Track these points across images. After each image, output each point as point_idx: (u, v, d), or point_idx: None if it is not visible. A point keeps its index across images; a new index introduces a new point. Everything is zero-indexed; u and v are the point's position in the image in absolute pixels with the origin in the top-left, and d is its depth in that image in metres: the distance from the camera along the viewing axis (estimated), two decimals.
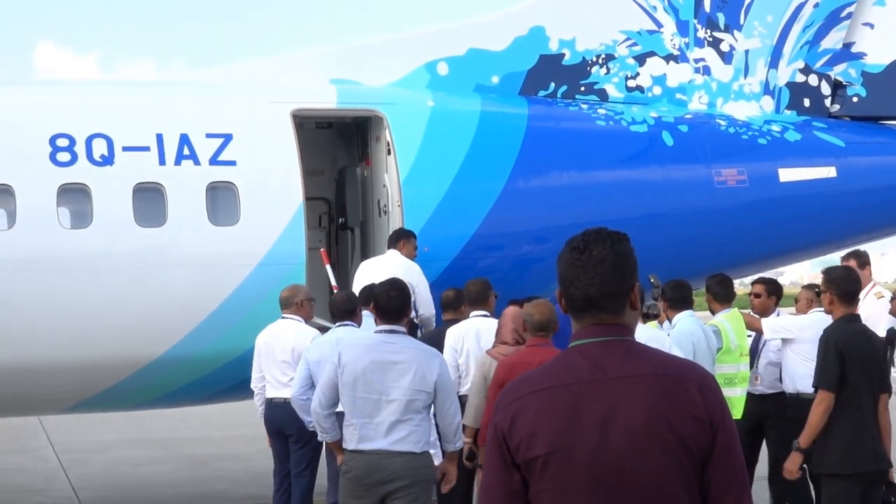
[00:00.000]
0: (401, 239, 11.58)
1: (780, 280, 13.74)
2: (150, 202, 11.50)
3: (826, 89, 13.90)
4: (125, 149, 11.55)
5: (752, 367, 10.44)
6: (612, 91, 13.45)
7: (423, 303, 11.23)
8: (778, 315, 10.74)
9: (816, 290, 9.88)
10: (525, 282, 11.90)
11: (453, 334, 9.98)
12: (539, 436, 3.29)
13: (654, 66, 13.54)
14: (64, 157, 11.41)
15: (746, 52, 13.72)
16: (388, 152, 12.33)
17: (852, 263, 10.83)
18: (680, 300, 9.95)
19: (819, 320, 9.34)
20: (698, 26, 13.61)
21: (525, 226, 12.46)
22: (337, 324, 9.63)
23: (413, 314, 10.50)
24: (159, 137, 11.65)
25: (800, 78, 13.84)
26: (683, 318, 9.77)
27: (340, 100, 12.61)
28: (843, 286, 7.95)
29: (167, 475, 14.90)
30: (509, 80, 13.20)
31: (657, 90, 13.57)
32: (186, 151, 11.68)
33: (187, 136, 11.71)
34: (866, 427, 7.73)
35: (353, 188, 13.04)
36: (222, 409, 15.91)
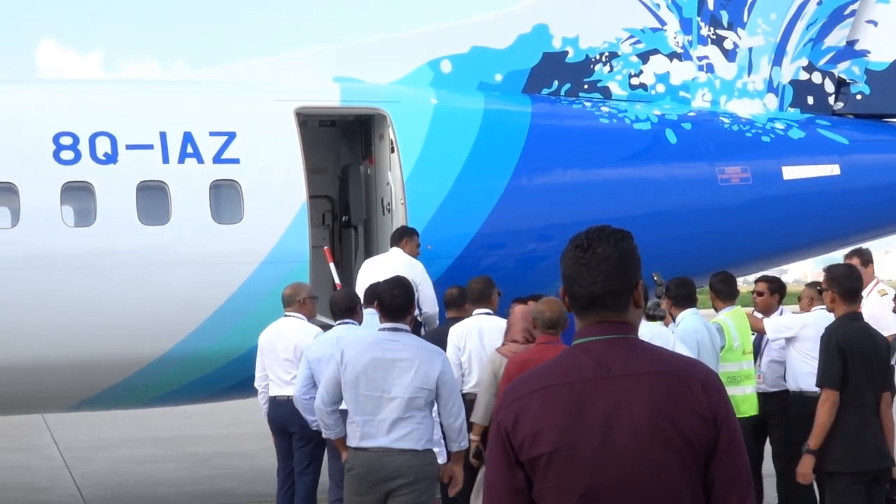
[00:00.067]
0: (403, 237, 11.58)
1: (784, 278, 13.75)
2: (153, 200, 11.50)
3: (830, 87, 13.89)
4: (129, 147, 11.56)
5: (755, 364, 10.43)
6: (616, 89, 13.44)
7: (427, 301, 11.22)
8: (781, 313, 10.74)
9: (819, 288, 9.88)
10: (529, 280, 11.89)
11: (456, 332, 9.97)
12: (543, 434, 3.29)
13: (658, 63, 13.54)
14: (67, 155, 11.42)
15: (750, 49, 13.71)
16: (392, 150, 12.33)
17: (855, 261, 10.83)
18: (684, 298, 9.95)
19: (821, 318, 9.33)
20: (702, 24, 13.60)
21: (528, 224, 12.46)
22: (337, 322, 9.63)
23: (416, 312, 10.50)
24: (163, 135, 11.66)
25: (803, 75, 13.83)
26: (687, 316, 9.77)
27: (344, 98, 12.61)
28: (845, 284, 7.94)
29: (171, 473, 14.92)
30: (513, 77, 13.20)
31: (661, 88, 13.56)
32: (190, 149, 11.68)
33: (191, 134, 11.72)
34: (869, 425, 7.73)
35: (357, 186, 13.05)
36: (226, 407, 15.92)
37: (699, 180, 13.03)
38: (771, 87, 13.78)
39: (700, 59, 13.63)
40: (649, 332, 8.54)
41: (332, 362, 7.54)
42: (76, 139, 11.46)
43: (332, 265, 12.07)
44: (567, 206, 12.43)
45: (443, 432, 7.85)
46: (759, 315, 10.71)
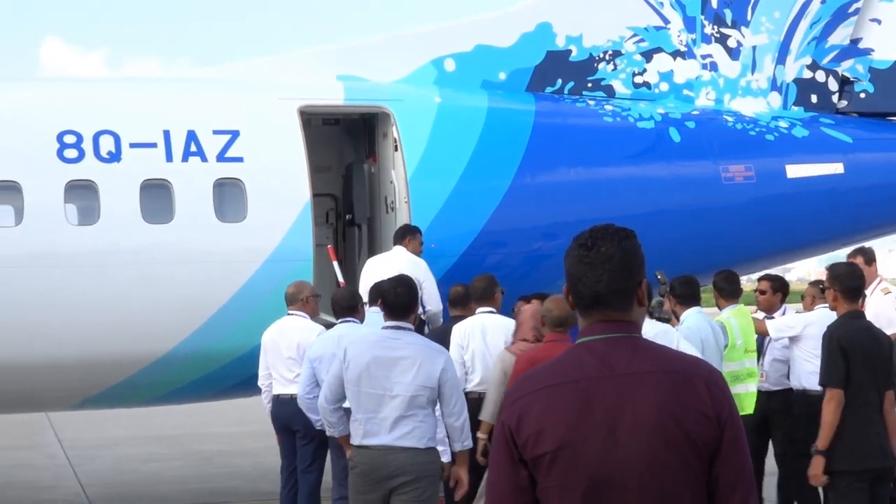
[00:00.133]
0: (406, 235, 11.58)
1: (788, 276, 13.74)
2: (157, 199, 11.51)
3: (833, 85, 13.88)
4: (132, 145, 11.57)
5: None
6: (619, 87, 13.44)
7: (430, 299, 11.21)
8: (784, 312, 10.73)
9: (821, 286, 9.87)
10: (532, 278, 11.89)
11: (459, 331, 9.96)
12: (547, 432, 3.29)
13: (662, 62, 13.53)
14: (71, 153, 11.42)
15: (754, 48, 13.71)
16: (396, 148, 12.33)
17: (859, 260, 10.81)
18: (688, 296, 9.94)
19: (823, 316, 9.32)
20: (705, 22, 13.60)
21: (532, 222, 12.46)
22: (339, 320, 9.63)
23: (420, 310, 10.49)
24: (166, 134, 11.67)
25: (807, 74, 13.83)
26: (692, 315, 9.76)
27: (347, 96, 12.62)
28: (847, 282, 7.93)
29: (175, 471, 14.92)
30: (516, 76, 13.20)
31: (664, 86, 13.56)
32: (193, 148, 11.69)
33: (194, 132, 11.72)
34: (872, 424, 7.72)
35: (361, 185, 13.05)
36: (230, 406, 15.93)
37: (703, 179, 13.03)
38: (774, 85, 13.78)
39: (704, 57, 13.63)
40: (653, 330, 8.53)
41: (335, 360, 7.56)
42: (80, 137, 11.47)
43: (335, 263, 12.08)
44: (570, 205, 12.43)
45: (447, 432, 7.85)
46: (761, 315, 10.71)
